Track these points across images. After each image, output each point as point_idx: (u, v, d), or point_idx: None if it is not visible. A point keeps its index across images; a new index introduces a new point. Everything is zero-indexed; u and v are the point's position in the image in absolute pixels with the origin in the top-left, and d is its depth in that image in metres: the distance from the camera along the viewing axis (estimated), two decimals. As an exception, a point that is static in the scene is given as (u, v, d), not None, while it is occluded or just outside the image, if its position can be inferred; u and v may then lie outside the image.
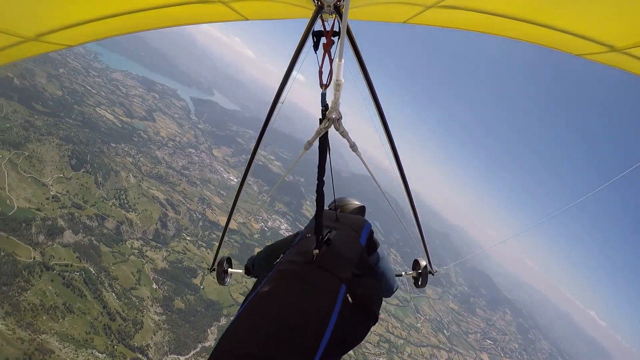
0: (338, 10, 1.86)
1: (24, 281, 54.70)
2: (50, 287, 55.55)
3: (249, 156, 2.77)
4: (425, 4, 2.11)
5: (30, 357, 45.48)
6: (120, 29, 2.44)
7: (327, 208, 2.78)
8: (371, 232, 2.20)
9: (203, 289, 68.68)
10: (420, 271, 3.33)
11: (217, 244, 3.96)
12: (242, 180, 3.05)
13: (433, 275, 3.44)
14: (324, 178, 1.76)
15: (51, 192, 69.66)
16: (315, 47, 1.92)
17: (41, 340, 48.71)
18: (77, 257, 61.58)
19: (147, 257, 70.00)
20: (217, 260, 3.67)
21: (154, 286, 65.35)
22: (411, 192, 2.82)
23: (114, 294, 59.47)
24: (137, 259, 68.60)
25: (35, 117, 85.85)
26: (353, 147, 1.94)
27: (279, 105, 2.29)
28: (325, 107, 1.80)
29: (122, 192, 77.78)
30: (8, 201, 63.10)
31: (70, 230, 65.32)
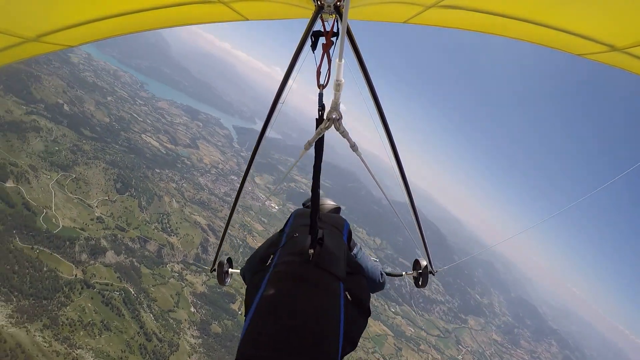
0: (338, 10, 1.86)
1: (64, 297, 56.80)
2: (90, 304, 57.68)
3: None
4: (426, 3, 2.11)
5: None
6: (120, 29, 2.44)
7: (302, 207, 2.76)
8: (350, 231, 2.27)
9: (241, 314, 69.06)
10: (420, 271, 3.34)
11: (218, 244, 3.97)
12: (242, 180, 3.05)
13: (434, 275, 3.45)
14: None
15: (96, 214, 73.55)
16: (314, 47, 1.93)
17: (76, 355, 50.18)
18: (117, 277, 63.99)
19: (187, 280, 72.24)
20: (218, 260, 3.68)
21: (192, 309, 67.31)
22: (411, 191, 2.82)
23: (151, 315, 61.30)
24: (176, 282, 70.95)
25: (83, 141, 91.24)
26: (353, 147, 1.94)
27: (279, 105, 2.30)
28: (322, 107, 1.81)
29: (164, 217, 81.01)
30: (54, 220, 66.31)
31: (113, 251, 67.98)
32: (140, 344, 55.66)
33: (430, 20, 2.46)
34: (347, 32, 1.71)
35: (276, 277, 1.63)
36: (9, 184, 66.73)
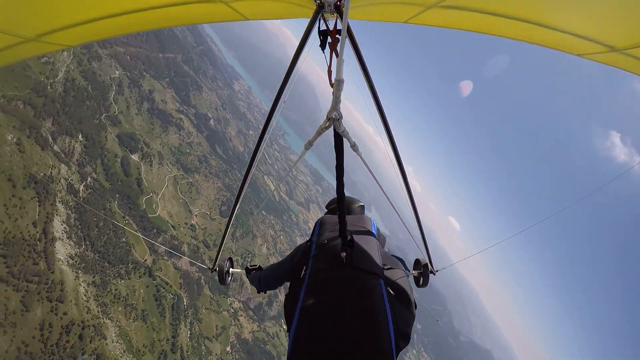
0: (339, 10, 1.86)
1: (125, 271, 59.54)
2: (142, 290, 59.93)
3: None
4: (426, 4, 2.11)
5: (84, 328, 48.37)
6: (120, 29, 2.43)
7: (326, 208, 2.77)
8: (377, 228, 2.27)
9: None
10: (421, 271, 3.34)
11: (219, 244, 3.96)
12: (243, 180, 3.04)
13: (434, 274, 3.45)
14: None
15: (192, 221, 77.76)
16: (323, 46, 1.93)
17: (103, 322, 51.83)
18: (179, 283, 66.46)
19: (239, 321, 73.97)
20: (219, 260, 3.67)
21: (228, 349, 68.13)
22: (412, 191, 2.83)
23: (189, 332, 62.55)
24: (229, 316, 72.55)
25: (213, 157, 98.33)
26: (354, 147, 1.93)
27: (281, 103, 2.30)
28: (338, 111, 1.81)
29: (249, 255, 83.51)
30: (154, 205, 70.82)
31: (189, 260, 69.57)
32: (163, 350, 56.70)
33: (431, 21, 2.46)
34: (347, 32, 1.71)
35: (314, 286, 1.61)
36: (135, 157, 73.57)
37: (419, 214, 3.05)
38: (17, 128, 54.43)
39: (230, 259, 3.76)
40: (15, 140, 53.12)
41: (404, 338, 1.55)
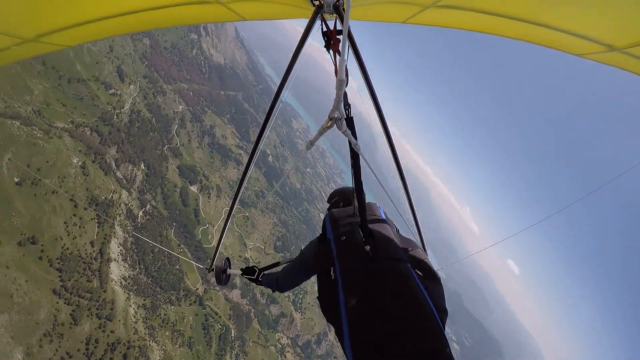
0: (337, 10, 1.86)
1: (176, 298, 61.40)
2: (191, 318, 61.34)
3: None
4: (424, 4, 2.11)
5: (129, 348, 49.67)
6: (119, 29, 2.43)
7: (328, 202, 2.76)
8: (385, 212, 2.31)
9: None
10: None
11: (217, 244, 3.95)
12: (242, 179, 3.04)
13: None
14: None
15: (246, 254, 79.67)
16: (327, 47, 1.94)
17: (149, 345, 53.07)
18: (229, 314, 67.68)
19: (285, 357, 74.19)
20: (216, 260, 3.66)
21: None
22: (409, 190, 2.83)
23: None
24: (275, 352, 72.98)
25: (269, 192, 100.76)
26: (356, 146, 1.93)
27: (279, 103, 2.30)
28: (347, 105, 1.83)
29: (301, 292, 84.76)
30: (210, 236, 72.91)
31: (240, 292, 72.91)
32: (205, 379, 57.69)
33: (429, 20, 2.46)
34: (347, 32, 1.72)
35: (351, 284, 1.62)
36: (194, 188, 77.24)
37: (418, 216, 3.05)
38: (83, 152, 58.23)
39: (227, 260, 3.76)
40: (80, 163, 56.92)
41: (444, 312, 1.60)
